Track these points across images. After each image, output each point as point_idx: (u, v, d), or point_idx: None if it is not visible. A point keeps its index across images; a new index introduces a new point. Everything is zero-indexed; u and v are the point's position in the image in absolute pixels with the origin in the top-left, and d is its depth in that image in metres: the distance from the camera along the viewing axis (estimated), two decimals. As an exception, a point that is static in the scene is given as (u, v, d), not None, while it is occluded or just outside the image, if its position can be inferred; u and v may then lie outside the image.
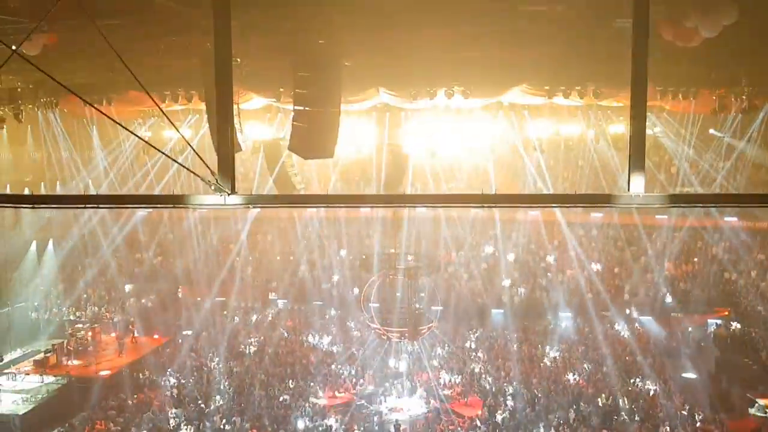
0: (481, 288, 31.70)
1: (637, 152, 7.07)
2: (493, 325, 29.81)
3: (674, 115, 21.50)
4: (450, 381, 25.43)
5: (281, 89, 16.29)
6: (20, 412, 23.38)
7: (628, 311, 29.45)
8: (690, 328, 27.83)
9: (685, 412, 22.02)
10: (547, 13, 12.74)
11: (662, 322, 28.41)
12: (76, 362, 27.54)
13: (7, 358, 27.46)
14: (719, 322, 27.94)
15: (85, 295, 33.26)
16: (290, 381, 25.32)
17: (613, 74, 13.68)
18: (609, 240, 32.26)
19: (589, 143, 23.57)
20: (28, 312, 32.02)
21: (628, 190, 6.89)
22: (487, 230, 33.82)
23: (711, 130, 24.34)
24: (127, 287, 33.81)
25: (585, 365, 26.00)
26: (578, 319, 29.49)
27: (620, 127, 20.94)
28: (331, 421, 22.31)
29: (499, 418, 21.99)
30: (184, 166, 8.03)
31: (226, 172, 7.39)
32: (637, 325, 28.92)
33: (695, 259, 31.11)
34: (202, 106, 16.60)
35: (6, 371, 26.09)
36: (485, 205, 7.35)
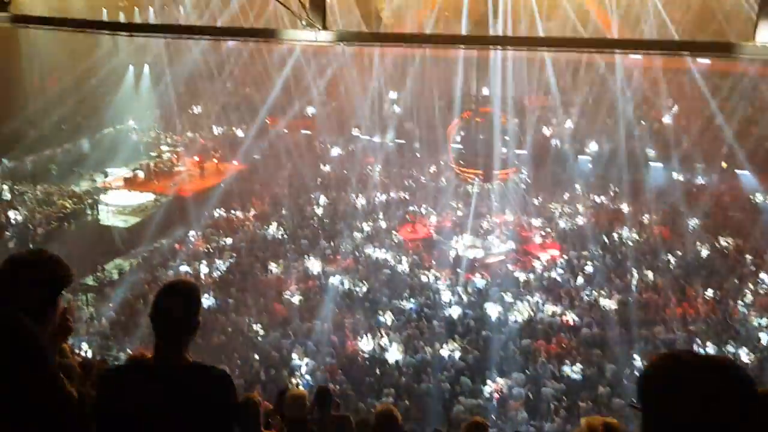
0: (568, 134, 30.87)
1: (769, -4, 6.36)
2: (577, 172, 29.36)
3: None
4: (529, 224, 25.57)
5: None
6: (125, 225, 25.36)
7: (724, 164, 28.22)
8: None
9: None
10: None
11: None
12: (162, 182, 28.80)
13: (111, 177, 29.25)
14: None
15: (178, 121, 34.62)
16: (368, 216, 25.87)
17: None
18: (714, 90, 30.22)
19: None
20: (128, 133, 33.73)
21: (754, 38, 6.30)
22: (583, 75, 32.19)
23: None
24: (217, 115, 34.87)
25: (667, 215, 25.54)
26: (668, 169, 28.58)
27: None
28: (407, 256, 22.68)
29: (576, 263, 22.19)
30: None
31: (318, 7, 7.19)
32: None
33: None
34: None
35: (107, 188, 27.98)
36: (591, 49, 6.92)
